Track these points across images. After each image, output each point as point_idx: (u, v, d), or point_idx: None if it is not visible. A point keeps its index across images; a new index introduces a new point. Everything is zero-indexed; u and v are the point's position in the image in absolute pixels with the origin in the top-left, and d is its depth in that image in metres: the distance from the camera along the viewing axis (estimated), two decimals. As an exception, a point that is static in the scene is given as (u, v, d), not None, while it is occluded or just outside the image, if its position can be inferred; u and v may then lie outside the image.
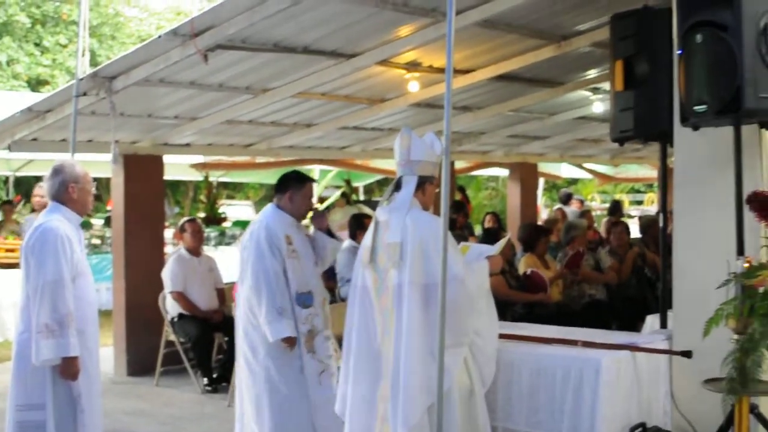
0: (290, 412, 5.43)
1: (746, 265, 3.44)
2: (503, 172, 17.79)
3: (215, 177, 16.78)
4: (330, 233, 5.96)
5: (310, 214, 6.04)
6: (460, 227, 11.16)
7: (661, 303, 5.70)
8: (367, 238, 4.81)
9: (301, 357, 5.48)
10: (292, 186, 5.73)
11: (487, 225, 12.60)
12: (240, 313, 5.63)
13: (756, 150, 4.75)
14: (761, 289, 3.07)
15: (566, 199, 17.09)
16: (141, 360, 8.90)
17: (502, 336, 4.90)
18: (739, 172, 4.49)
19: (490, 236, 8.77)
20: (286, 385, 5.43)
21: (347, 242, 8.57)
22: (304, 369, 5.48)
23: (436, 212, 4.59)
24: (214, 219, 15.38)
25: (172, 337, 8.44)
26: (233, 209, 19.44)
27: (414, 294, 4.49)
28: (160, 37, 6.29)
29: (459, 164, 14.58)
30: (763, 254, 3.55)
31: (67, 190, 5.02)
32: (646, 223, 10.52)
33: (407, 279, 4.50)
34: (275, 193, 5.83)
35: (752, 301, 3.14)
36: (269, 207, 5.81)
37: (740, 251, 4.39)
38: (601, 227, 12.94)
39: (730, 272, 3.49)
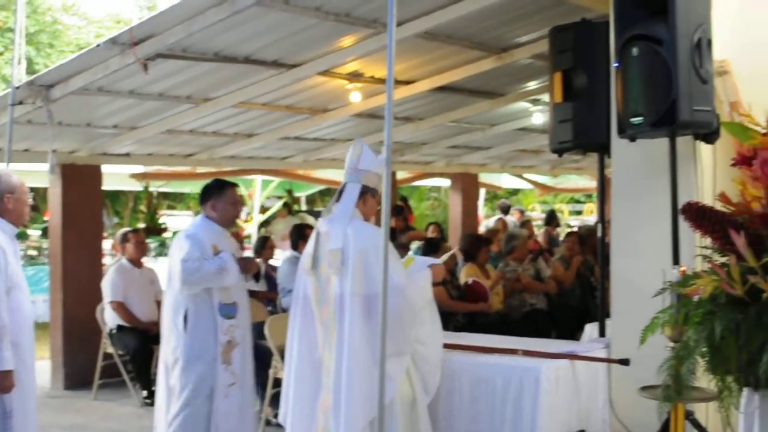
0: (193, 419, 5.38)
1: (681, 273, 3.50)
2: (445, 183, 17.87)
3: (155, 187, 16.59)
4: None
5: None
6: (401, 230, 11.15)
7: (600, 312, 5.77)
8: (309, 245, 4.81)
9: (215, 367, 5.43)
10: (213, 194, 5.68)
11: (429, 235, 12.64)
12: (164, 322, 5.58)
13: (691, 161, 4.84)
14: (696, 298, 3.12)
15: (506, 210, 17.22)
16: (78, 373, 8.76)
17: (443, 346, 4.92)
18: (674, 183, 4.57)
19: (432, 246, 8.77)
20: (194, 392, 5.38)
21: (289, 252, 8.55)
22: (216, 379, 5.42)
23: (377, 224, 4.60)
24: (155, 229, 15.23)
25: (111, 350, 8.32)
26: (174, 220, 19.25)
27: (356, 305, 4.49)
28: (98, 45, 6.21)
29: (401, 174, 14.62)
30: (697, 263, 3.61)
31: (2, 201, 4.92)
32: (585, 233, 10.64)
33: (349, 290, 4.51)
34: (200, 204, 5.78)
35: (687, 310, 3.19)
36: (199, 217, 5.78)
37: (675, 260, 4.48)
38: (539, 237, 13.07)
39: (666, 281, 3.54)
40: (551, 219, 15.30)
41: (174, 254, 5.48)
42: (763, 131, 3.23)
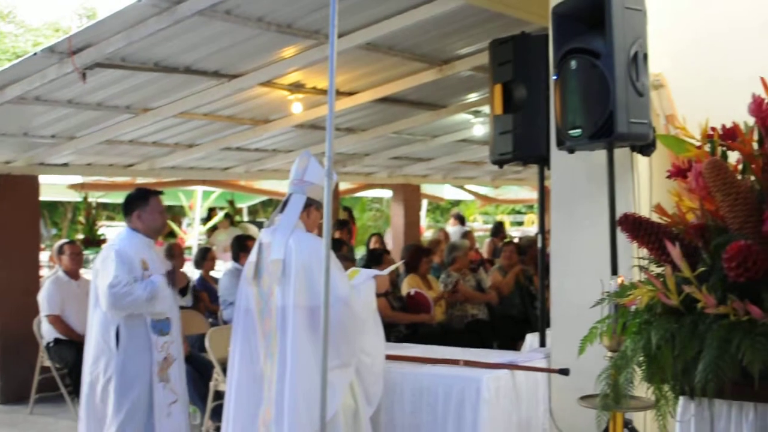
0: None
1: (619, 284, 3.54)
2: (387, 194, 17.91)
3: (95, 198, 16.35)
4: None
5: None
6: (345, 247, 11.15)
7: (540, 322, 5.82)
8: (252, 256, 4.78)
9: (151, 385, 5.33)
10: (137, 205, 5.59)
11: (372, 246, 12.65)
12: (90, 339, 5.48)
13: (628, 173, 4.90)
14: (633, 308, 3.16)
15: (462, 220, 17.34)
16: (15, 387, 8.60)
17: (385, 357, 4.92)
18: (612, 194, 4.63)
19: (375, 257, 8.79)
20: (130, 413, 5.28)
21: (230, 264, 8.49)
22: (153, 398, 5.32)
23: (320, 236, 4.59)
24: (94, 241, 14.97)
25: (48, 363, 8.17)
26: (113, 231, 18.97)
27: (299, 317, 4.47)
28: (36, 54, 6.12)
29: (343, 185, 14.62)
30: (635, 273, 3.66)
31: None
32: (526, 243, 10.74)
33: (292, 302, 4.49)
34: (125, 216, 5.67)
35: (624, 320, 3.23)
36: (124, 230, 5.67)
37: (614, 271, 4.54)
38: (484, 248, 13.15)
39: (604, 291, 3.58)
40: (497, 230, 15.42)
41: (100, 272, 5.34)
42: (698, 144, 3.29)
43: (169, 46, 6.29)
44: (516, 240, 12.83)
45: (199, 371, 7.06)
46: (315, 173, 4.73)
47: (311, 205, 4.75)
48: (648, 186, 4.89)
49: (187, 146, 9.67)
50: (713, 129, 3.22)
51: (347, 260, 7.83)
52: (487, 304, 9.27)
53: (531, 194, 20.53)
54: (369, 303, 4.77)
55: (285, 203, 4.78)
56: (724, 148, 3.22)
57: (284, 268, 4.51)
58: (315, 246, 4.52)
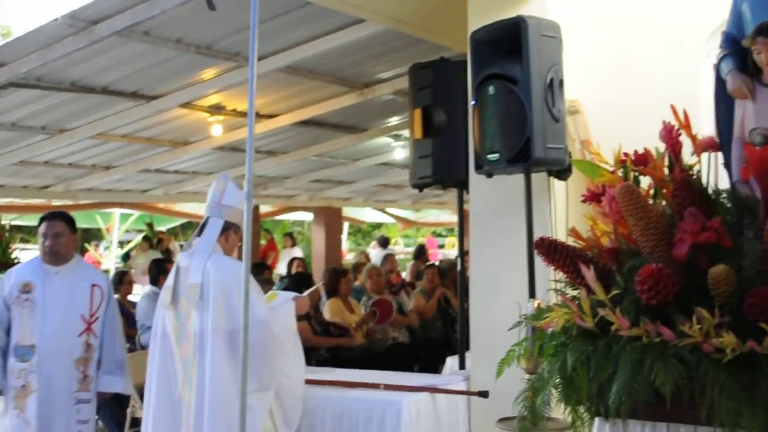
0: None
1: (536, 307, 3.59)
2: (308, 216, 17.88)
3: (8, 220, 15.96)
4: None
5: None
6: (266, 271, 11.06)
7: (460, 345, 5.85)
8: (170, 279, 4.71)
9: (6, 412, 5.12)
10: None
11: (294, 270, 12.58)
12: None
13: (545, 197, 4.98)
14: (549, 330, 3.20)
15: (384, 243, 17.36)
16: None
17: (306, 381, 4.89)
18: (529, 218, 4.69)
19: (297, 281, 8.73)
20: None
21: (148, 288, 8.35)
22: (9, 426, 5.11)
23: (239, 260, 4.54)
24: (6, 264, 14.61)
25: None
26: (28, 254, 18.53)
27: (218, 341, 4.41)
28: (-54, 73, 5.98)
29: (263, 208, 14.55)
30: (552, 296, 3.71)
31: None
32: (447, 266, 10.80)
33: (210, 326, 4.42)
34: None
35: (541, 342, 3.27)
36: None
37: (531, 293, 4.59)
38: (407, 271, 13.18)
39: (521, 314, 3.62)
40: (420, 253, 15.48)
41: None
42: (611, 169, 3.36)
43: (86, 66, 6.20)
44: (437, 263, 12.90)
45: (116, 398, 6.90)
46: (233, 196, 4.69)
47: (229, 229, 4.70)
48: (564, 210, 4.97)
49: (105, 168, 9.53)
50: (626, 155, 3.30)
51: (268, 284, 7.78)
52: (408, 327, 9.28)
53: (451, 217, 20.70)
54: (288, 325, 4.73)
55: (202, 227, 4.72)
56: (637, 174, 3.30)
57: (202, 291, 4.46)
58: (233, 269, 4.46)
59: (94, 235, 20.09)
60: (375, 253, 16.03)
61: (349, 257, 19.34)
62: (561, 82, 4.62)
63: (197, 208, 13.98)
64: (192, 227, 18.25)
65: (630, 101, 5.02)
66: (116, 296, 9.07)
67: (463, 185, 5.56)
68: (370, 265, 10.58)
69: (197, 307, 4.47)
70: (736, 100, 3.06)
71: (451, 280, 9.90)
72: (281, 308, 4.76)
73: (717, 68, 3.15)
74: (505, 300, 4.64)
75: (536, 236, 4.15)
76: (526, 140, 4.44)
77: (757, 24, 2.94)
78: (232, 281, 4.41)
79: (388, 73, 7.82)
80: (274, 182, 12.22)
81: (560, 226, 4.93)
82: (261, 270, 8.76)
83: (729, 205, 3.07)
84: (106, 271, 15.95)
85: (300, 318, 4.96)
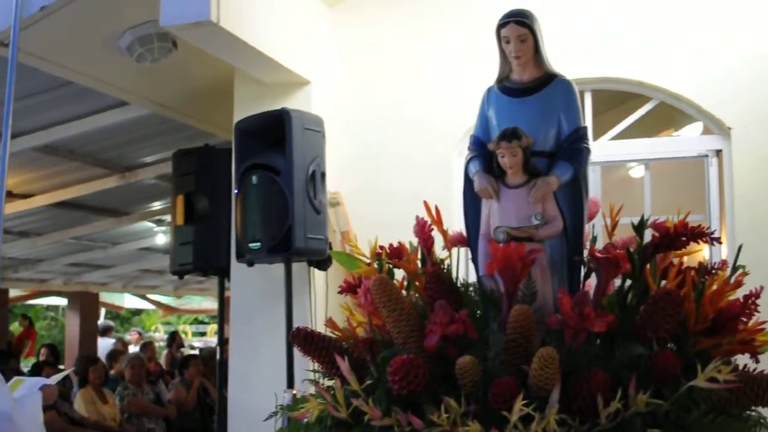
0: None
1: (293, 397, 3.59)
2: (63, 302, 17.08)
3: None
4: None
5: None
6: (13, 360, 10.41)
7: (218, 435, 5.74)
8: None
9: None
10: None
11: (42, 357, 11.90)
12: None
13: (305, 286, 5.03)
14: (305, 420, 3.20)
15: (103, 331, 16.42)
16: None
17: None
18: (289, 307, 4.71)
19: (43, 371, 8.28)
20: None
21: None
22: None
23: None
24: None
25: None
26: None
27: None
28: None
29: (14, 292, 13.79)
30: (309, 387, 3.72)
31: None
32: (207, 354, 10.61)
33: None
34: None
35: (297, 433, 3.26)
36: None
37: (290, 384, 4.59)
38: (162, 359, 12.81)
39: (278, 404, 3.61)
40: (173, 340, 15.07)
41: None
42: (368, 261, 3.44)
43: None
44: (197, 351, 12.65)
45: None
46: None
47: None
48: (324, 300, 5.03)
49: None
50: (381, 247, 3.40)
51: (17, 373, 7.32)
52: (165, 417, 8.98)
53: (213, 304, 20.44)
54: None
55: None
56: (391, 266, 3.40)
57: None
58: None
59: None
60: (100, 342, 14.97)
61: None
62: (323, 175, 4.73)
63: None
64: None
65: (390, 193, 5.21)
66: None
67: (224, 273, 5.52)
68: (132, 354, 10.21)
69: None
70: (483, 199, 3.24)
71: (212, 369, 9.72)
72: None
73: (465, 168, 3.32)
74: (263, 389, 4.59)
75: (295, 326, 4.19)
76: (287, 230, 4.49)
77: (501, 129, 3.14)
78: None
79: (152, 158, 7.71)
80: (26, 265, 11.64)
81: (320, 316, 4.98)
82: (7, 359, 8.26)
83: (476, 298, 3.22)
84: None
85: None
